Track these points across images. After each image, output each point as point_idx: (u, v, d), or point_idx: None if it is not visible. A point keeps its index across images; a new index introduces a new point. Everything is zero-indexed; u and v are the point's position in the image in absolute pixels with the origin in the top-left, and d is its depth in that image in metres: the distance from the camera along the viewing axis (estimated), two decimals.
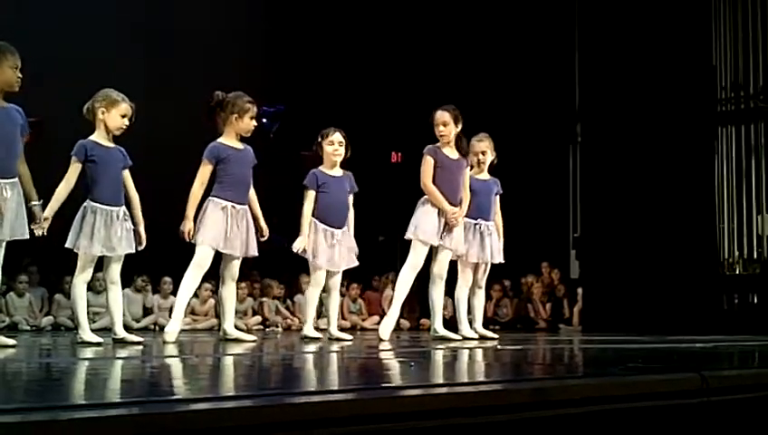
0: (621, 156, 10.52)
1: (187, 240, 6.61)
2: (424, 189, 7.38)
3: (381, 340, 7.29)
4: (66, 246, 6.26)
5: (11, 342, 5.72)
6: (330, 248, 7.47)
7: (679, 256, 10.04)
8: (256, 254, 6.86)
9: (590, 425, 2.87)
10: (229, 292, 6.91)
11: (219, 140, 6.80)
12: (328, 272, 7.58)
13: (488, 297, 12.63)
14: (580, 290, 11.90)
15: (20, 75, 5.55)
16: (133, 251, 6.45)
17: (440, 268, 7.49)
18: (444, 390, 3.07)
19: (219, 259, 6.77)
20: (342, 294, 12.36)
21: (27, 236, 5.60)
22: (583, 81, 11.58)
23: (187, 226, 6.60)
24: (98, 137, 6.39)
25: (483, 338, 7.69)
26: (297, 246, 7.38)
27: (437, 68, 12.83)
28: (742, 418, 3.26)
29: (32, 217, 5.79)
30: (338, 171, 7.63)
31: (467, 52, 12.92)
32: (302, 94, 12.48)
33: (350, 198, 7.66)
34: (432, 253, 7.42)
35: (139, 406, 2.47)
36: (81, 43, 11.43)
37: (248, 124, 6.81)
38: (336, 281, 7.70)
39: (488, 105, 12.19)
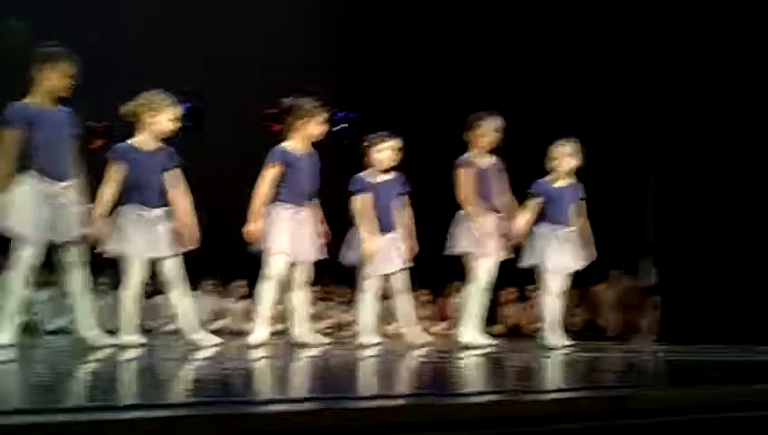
0: (698, 159, 10.33)
1: (251, 243, 6.61)
2: (463, 203, 7.33)
3: (492, 343, 7.39)
4: (107, 249, 6.24)
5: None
6: (382, 252, 7.42)
7: (761, 262, 9.82)
8: (321, 257, 6.83)
9: None
10: (301, 296, 6.92)
11: (285, 144, 6.80)
12: (386, 275, 7.55)
13: None
14: (654, 298, 11.72)
15: (72, 82, 5.59)
16: (177, 253, 6.34)
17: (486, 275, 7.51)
18: (518, 397, 3.04)
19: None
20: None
21: (79, 239, 5.67)
22: (660, 83, 11.42)
23: (251, 228, 6.60)
24: (140, 140, 6.32)
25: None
26: (368, 251, 7.34)
27: (509, 74, 12.75)
28: None
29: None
30: (386, 175, 7.55)
31: (541, 55, 12.82)
32: (376, 101, 12.47)
33: (403, 199, 7.63)
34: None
35: (211, 407, 2.48)
36: (141, 44, 11.51)
37: (316, 129, 6.79)
38: (399, 282, 7.61)
39: (562, 109, 12.08)
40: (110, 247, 6.19)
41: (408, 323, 7.65)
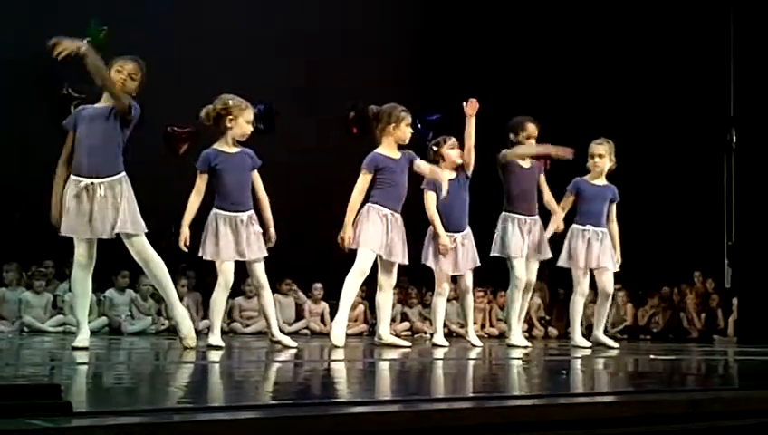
0: None
1: (346, 249, 6.69)
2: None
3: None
4: (199, 255, 6.36)
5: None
6: (453, 252, 7.52)
7: None
8: (407, 262, 6.91)
9: None
10: (386, 298, 6.98)
11: (377, 150, 6.88)
12: (456, 276, 7.70)
13: (642, 305, 12.44)
14: (735, 300, 11.55)
15: (123, 78, 5.57)
16: (265, 255, 6.42)
17: (529, 277, 7.64)
18: (595, 399, 3.05)
19: (373, 265, 6.80)
20: (489, 302, 12.34)
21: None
22: (739, 84, 11.26)
23: (347, 233, 6.67)
24: (222, 144, 6.41)
25: (604, 345, 7.60)
26: (444, 243, 7.42)
27: (585, 75, 12.67)
28: None
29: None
30: (453, 174, 7.61)
31: (618, 56, 12.71)
32: (453, 103, 12.45)
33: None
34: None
35: (294, 408, 2.53)
36: (230, 48, 11.62)
37: (405, 132, 6.88)
38: (467, 282, 7.73)
39: (640, 111, 11.98)
40: (203, 251, 6.31)
41: (469, 321, 7.93)
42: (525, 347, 7.34)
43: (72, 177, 5.53)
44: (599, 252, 7.63)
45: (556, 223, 7.65)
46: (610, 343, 7.79)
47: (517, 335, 7.59)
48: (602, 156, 7.69)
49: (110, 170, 5.54)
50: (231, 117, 6.32)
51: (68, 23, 10.72)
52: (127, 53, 5.77)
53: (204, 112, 6.39)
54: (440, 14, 13.21)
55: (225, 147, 6.38)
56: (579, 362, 5.70)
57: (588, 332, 8.13)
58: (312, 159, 11.20)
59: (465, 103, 7.39)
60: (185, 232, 6.24)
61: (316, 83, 12.06)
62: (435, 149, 7.59)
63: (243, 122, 6.34)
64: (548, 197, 7.74)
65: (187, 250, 6.26)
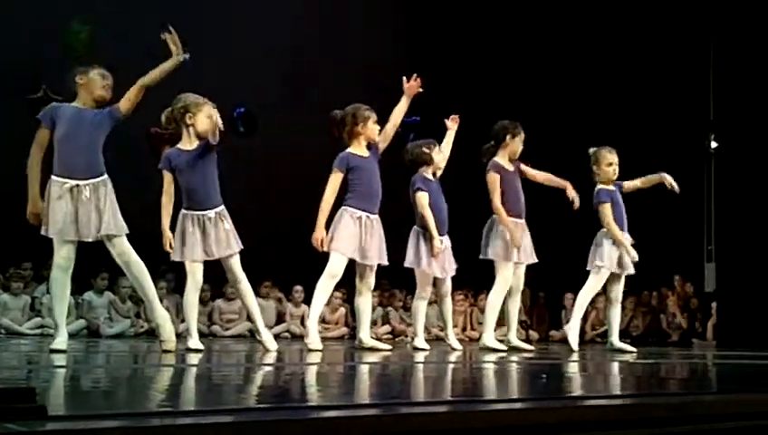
0: (758, 166, 10.22)
1: (320, 249, 6.67)
2: (495, 210, 7.49)
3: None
4: (172, 258, 6.34)
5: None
6: (442, 254, 7.50)
7: None
8: (386, 262, 6.90)
9: None
10: (365, 302, 6.97)
11: (348, 150, 6.90)
12: (436, 279, 7.67)
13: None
14: (714, 304, 11.59)
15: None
16: (235, 251, 6.31)
17: (517, 281, 7.68)
18: (578, 403, 3.04)
19: (352, 269, 6.81)
20: (471, 305, 12.34)
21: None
22: (718, 90, 11.30)
23: (319, 235, 6.67)
24: (184, 142, 6.34)
25: (621, 351, 7.57)
26: (437, 246, 7.39)
27: (567, 81, 12.70)
28: None
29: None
30: (433, 179, 7.72)
31: (598, 63, 12.74)
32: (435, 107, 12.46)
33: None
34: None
35: (273, 412, 2.51)
36: (222, 50, 11.59)
37: (373, 130, 6.90)
38: (447, 286, 7.75)
39: (620, 116, 12.01)
40: (173, 255, 6.27)
41: (449, 325, 7.99)
42: (500, 350, 7.35)
43: (54, 178, 5.51)
44: (629, 258, 7.67)
45: (572, 191, 7.65)
46: (628, 347, 7.79)
47: (491, 338, 7.57)
48: (617, 162, 7.72)
49: (94, 172, 5.57)
50: (190, 114, 6.28)
51: (62, 21, 10.79)
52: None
53: (164, 117, 6.38)
54: (430, 17, 13.23)
55: (187, 145, 6.33)
56: (559, 366, 5.70)
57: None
58: (293, 162, 11.17)
59: (446, 119, 7.68)
60: (167, 234, 6.21)
61: (302, 85, 12.04)
62: (426, 151, 7.60)
63: (203, 118, 6.26)
64: (543, 176, 7.77)
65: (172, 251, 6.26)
